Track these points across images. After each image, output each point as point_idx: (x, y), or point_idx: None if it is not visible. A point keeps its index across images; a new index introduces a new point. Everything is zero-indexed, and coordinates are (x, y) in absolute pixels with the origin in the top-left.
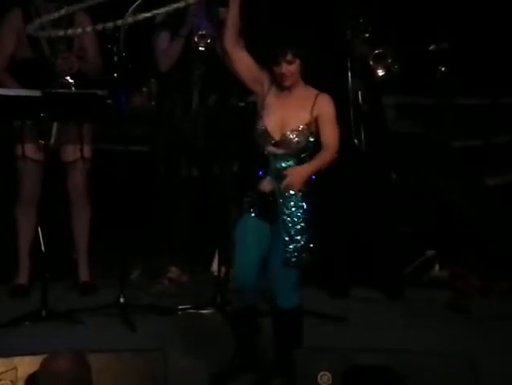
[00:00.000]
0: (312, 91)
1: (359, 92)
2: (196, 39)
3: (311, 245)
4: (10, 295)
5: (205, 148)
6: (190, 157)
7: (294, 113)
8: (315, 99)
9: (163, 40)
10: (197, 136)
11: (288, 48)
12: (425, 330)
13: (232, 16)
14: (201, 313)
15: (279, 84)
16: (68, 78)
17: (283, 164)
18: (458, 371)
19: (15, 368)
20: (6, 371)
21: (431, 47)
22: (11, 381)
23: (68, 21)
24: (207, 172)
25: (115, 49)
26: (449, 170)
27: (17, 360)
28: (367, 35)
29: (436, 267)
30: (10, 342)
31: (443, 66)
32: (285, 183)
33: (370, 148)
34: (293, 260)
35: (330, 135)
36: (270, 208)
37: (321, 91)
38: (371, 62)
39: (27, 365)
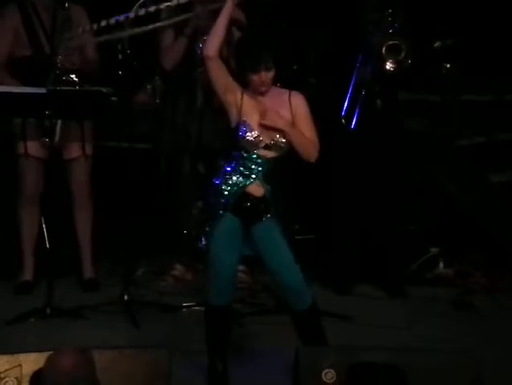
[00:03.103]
0: (283, 90)
1: (367, 83)
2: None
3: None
4: (14, 292)
5: (210, 146)
6: (194, 155)
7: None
8: (289, 97)
9: (167, 38)
10: (201, 134)
11: (268, 57)
12: (430, 327)
13: (220, 24)
14: None
15: (255, 90)
16: (73, 76)
17: (271, 166)
18: (462, 369)
19: (20, 365)
20: (11, 368)
21: (436, 44)
22: (16, 378)
23: (65, 17)
24: (211, 170)
25: (119, 47)
26: (453, 167)
27: (22, 357)
28: (390, 31)
29: (441, 265)
30: (15, 339)
31: (447, 63)
32: (265, 116)
33: (359, 130)
34: (295, 254)
35: (311, 132)
36: (257, 210)
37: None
38: (383, 52)
39: (32, 362)
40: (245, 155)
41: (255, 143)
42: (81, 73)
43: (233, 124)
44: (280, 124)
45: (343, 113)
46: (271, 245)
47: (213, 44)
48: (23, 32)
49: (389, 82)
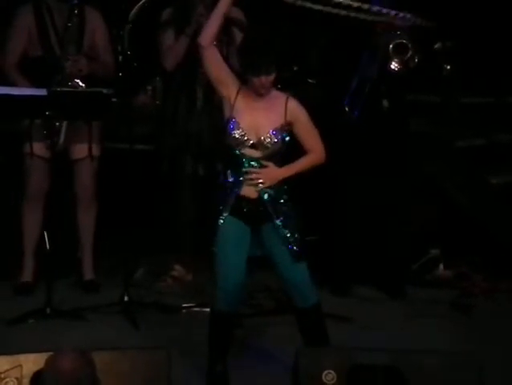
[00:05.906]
0: (280, 94)
1: (372, 81)
2: None
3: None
4: (14, 293)
5: (210, 147)
6: (195, 156)
7: (266, 115)
8: (286, 103)
9: (168, 38)
10: (201, 135)
11: (269, 61)
12: (430, 329)
13: (215, 15)
14: (205, 311)
15: (254, 91)
16: (79, 81)
17: (260, 165)
18: (462, 371)
19: (20, 366)
20: (11, 369)
21: (436, 46)
22: (16, 378)
23: (79, 18)
24: (212, 171)
25: (119, 48)
26: (453, 169)
27: (22, 358)
28: (398, 32)
29: (441, 266)
30: (15, 340)
31: (448, 65)
32: (256, 180)
33: (363, 130)
34: (299, 253)
35: (314, 138)
36: (256, 212)
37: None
38: (390, 50)
39: (32, 363)
40: (233, 153)
41: (241, 142)
42: (91, 77)
43: (225, 119)
44: (280, 176)
45: (346, 102)
46: (279, 242)
47: (207, 34)
48: (35, 32)
49: (396, 82)
